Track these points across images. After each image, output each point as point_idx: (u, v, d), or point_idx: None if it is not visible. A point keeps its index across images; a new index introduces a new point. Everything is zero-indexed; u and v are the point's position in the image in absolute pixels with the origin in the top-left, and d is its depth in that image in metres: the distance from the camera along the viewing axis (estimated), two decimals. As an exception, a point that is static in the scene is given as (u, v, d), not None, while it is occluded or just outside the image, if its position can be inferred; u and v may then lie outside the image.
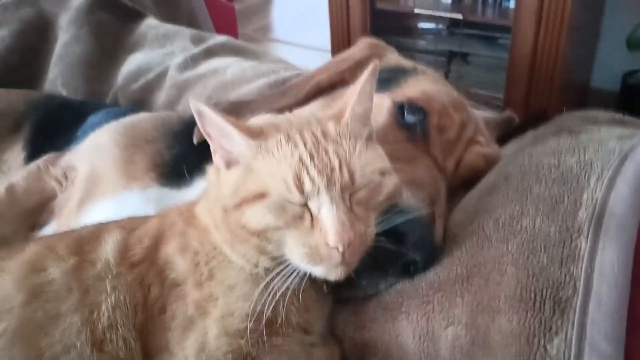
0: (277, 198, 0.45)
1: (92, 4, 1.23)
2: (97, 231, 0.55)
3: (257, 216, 0.46)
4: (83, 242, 0.53)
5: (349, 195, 0.46)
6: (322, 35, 2.37)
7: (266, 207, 0.46)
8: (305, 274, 0.47)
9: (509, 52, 1.89)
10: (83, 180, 0.75)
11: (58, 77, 1.15)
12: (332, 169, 0.46)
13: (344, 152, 0.47)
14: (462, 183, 0.66)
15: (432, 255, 0.54)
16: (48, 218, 0.76)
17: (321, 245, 0.45)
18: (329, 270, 0.46)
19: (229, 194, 0.48)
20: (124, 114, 0.87)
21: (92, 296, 0.49)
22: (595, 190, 0.50)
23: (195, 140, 0.72)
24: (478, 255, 0.51)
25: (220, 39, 1.22)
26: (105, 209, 0.71)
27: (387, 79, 0.70)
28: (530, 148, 0.62)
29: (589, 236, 0.47)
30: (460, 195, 0.64)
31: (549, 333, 0.44)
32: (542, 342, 0.44)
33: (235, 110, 0.76)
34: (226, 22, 1.82)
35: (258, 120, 0.63)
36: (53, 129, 0.93)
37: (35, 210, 0.76)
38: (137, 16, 1.28)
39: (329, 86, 0.75)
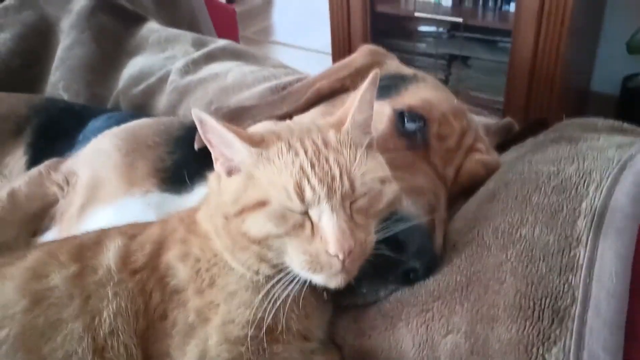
0: (277, 206, 0.46)
1: (94, 8, 1.23)
2: (99, 238, 0.55)
3: (257, 224, 0.46)
4: (85, 249, 0.54)
5: (349, 203, 0.47)
6: (323, 38, 2.38)
7: (267, 215, 0.46)
8: (305, 281, 0.47)
9: (510, 56, 1.90)
10: (84, 185, 0.75)
11: (59, 81, 1.16)
12: (333, 178, 0.46)
13: (344, 160, 0.47)
14: (461, 190, 0.66)
15: (432, 263, 0.54)
16: (49, 223, 0.76)
17: (321, 253, 0.45)
18: (329, 278, 0.46)
19: (229, 201, 0.49)
20: (124, 119, 0.87)
21: (94, 303, 0.50)
22: (594, 200, 0.50)
23: (196, 146, 0.73)
24: (477, 263, 0.52)
25: (221, 43, 1.22)
26: (107, 214, 0.71)
27: (388, 86, 0.71)
28: (530, 156, 0.63)
29: (588, 245, 0.47)
30: (460, 203, 0.65)
31: (547, 342, 0.44)
32: (540, 351, 0.44)
33: (236, 116, 0.76)
34: (227, 25, 1.82)
35: (259, 128, 0.63)
36: (54, 133, 0.93)
37: (36, 216, 0.76)
38: (138, 20, 1.29)
39: (329, 93, 0.75)
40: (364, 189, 0.47)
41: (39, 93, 1.18)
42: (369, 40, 2.17)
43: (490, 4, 2.09)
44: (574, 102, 2.16)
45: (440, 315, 0.50)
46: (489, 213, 0.56)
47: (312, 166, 0.46)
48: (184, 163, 0.76)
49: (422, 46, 2.27)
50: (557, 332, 0.44)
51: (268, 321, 0.48)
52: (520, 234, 0.51)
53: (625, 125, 0.69)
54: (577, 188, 0.53)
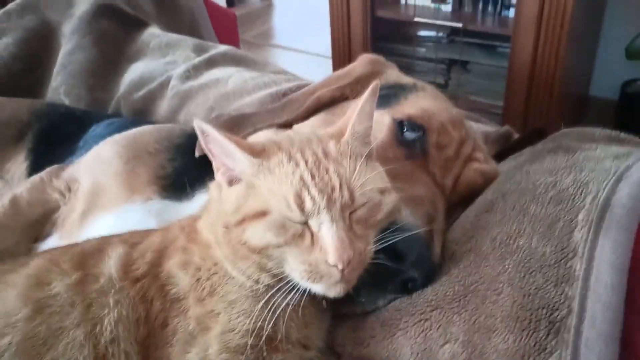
0: (278, 216, 0.46)
1: (95, 13, 1.23)
2: (101, 245, 0.56)
3: (258, 234, 0.47)
4: (87, 257, 0.54)
5: (348, 213, 0.47)
6: (323, 42, 2.39)
7: (267, 225, 0.46)
8: (305, 290, 0.48)
9: (509, 61, 1.91)
10: (86, 192, 0.75)
11: (61, 86, 1.16)
12: (333, 188, 0.46)
13: (344, 171, 0.48)
14: (460, 200, 0.66)
15: (431, 272, 0.55)
16: (50, 230, 0.77)
17: (321, 263, 0.46)
18: (329, 288, 0.47)
19: (230, 211, 0.49)
20: (125, 125, 0.87)
21: (95, 310, 0.50)
22: (591, 211, 0.51)
23: (197, 154, 0.73)
24: (475, 273, 0.52)
25: (222, 48, 1.22)
26: (108, 221, 0.72)
27: (387, 96, 0.71)
28: (528, 165, 0.63)
29: (584, 257, 0.48)
30: (458, 212, 0.65)
31: (543, 353, 0.45)
32: (537, 362, 0.45)
33: (237, 124, 0.77)
34: (227, 29, 1.82)
35: (260, 137, 0.64)
36: (55, 138, 0.94)
37: (38, 222, 0.76)
38: (139, 25, 1.29)
39: (329, 101, 0.75)
40: (363, 199, 0.48)
41: (41, 97, 1.19)
42: (369, 44, 2.17)
43: (490, 9, 2.10)
44: (573, 106, 2.17)
45: (438, 325, 0.51)
46: (487, 223, 0.56)
47: (313, 177, 0.47)
48: (184, 170, 0.76)
49: (421, 51, 2.28)
50: (553, 343, 0.45)
51: (268, 330, 0.48)
52: (518, 245, 0.52)
53: (622, 135, 0.69)
54: (574, 199, 0.53)
